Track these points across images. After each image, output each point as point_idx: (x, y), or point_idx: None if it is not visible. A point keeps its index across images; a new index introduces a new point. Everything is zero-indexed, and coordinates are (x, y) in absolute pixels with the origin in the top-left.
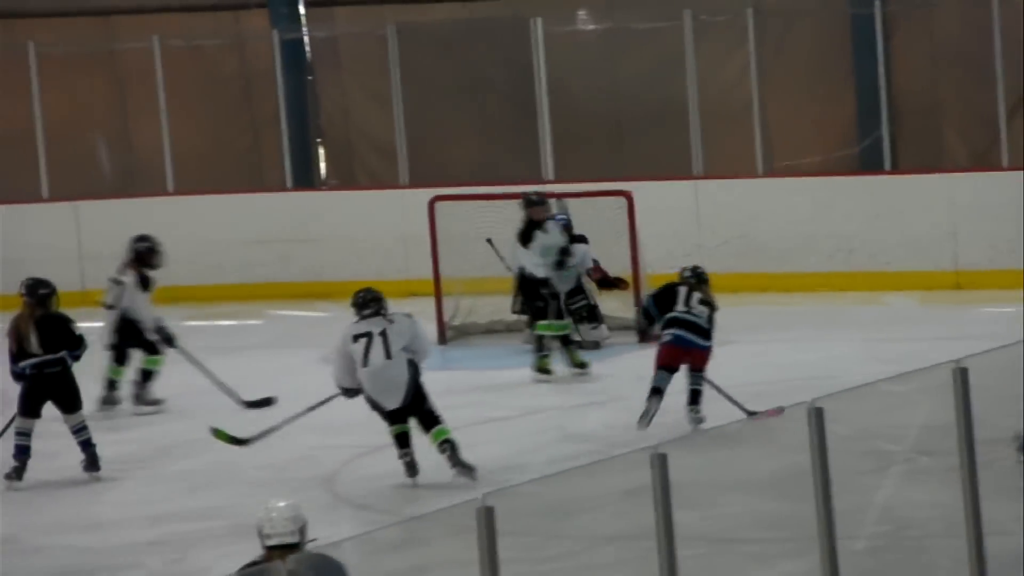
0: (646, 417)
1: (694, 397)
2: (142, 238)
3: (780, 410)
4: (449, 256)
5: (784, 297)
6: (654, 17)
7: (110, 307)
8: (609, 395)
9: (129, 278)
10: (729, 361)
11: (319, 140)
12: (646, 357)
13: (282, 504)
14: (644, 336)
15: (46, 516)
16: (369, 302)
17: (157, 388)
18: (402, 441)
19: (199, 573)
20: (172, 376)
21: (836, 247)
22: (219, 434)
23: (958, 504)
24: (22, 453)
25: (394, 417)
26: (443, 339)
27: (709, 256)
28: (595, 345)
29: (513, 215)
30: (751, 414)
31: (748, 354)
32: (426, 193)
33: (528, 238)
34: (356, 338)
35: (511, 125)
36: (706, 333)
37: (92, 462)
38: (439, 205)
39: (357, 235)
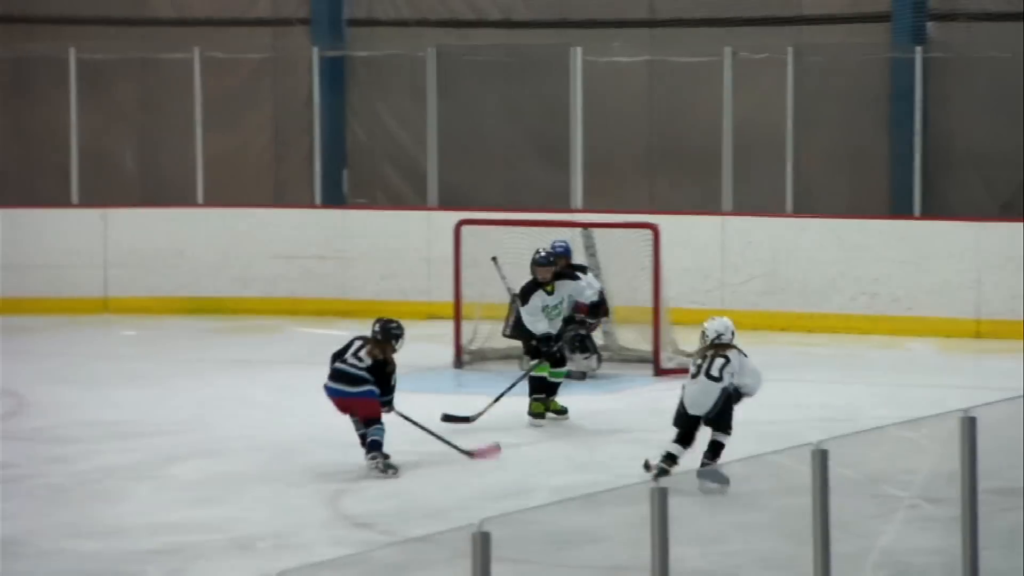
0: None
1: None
2: None
3: (497, 447)
4: (473, 280)
5: (806, 337)
6: (694, 52)
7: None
8: (620, 427)
9: None
10: (748, 398)
11: (346, 158)
12: (658, 390)
13: None
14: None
15: (52, 520)
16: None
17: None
18: None
19: None
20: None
21: (860, 290)
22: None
23: (959, 552)
24: None
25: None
26: (459, 363)
27: (733, 293)
28: (582, 376)
29: (539, 242)
30: (468, 453)
31: (767, 392)
32: (453, 216)
33: (526, 299)
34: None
35: (543, 152)
36: (357, 380)
37: None
38: (465, 229)
39: (382, 255)
